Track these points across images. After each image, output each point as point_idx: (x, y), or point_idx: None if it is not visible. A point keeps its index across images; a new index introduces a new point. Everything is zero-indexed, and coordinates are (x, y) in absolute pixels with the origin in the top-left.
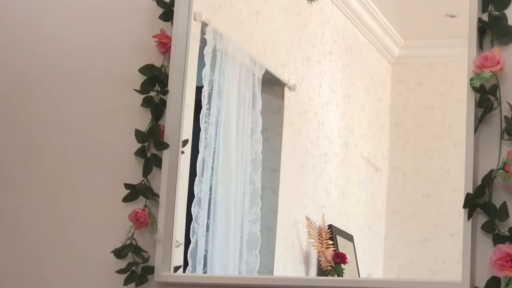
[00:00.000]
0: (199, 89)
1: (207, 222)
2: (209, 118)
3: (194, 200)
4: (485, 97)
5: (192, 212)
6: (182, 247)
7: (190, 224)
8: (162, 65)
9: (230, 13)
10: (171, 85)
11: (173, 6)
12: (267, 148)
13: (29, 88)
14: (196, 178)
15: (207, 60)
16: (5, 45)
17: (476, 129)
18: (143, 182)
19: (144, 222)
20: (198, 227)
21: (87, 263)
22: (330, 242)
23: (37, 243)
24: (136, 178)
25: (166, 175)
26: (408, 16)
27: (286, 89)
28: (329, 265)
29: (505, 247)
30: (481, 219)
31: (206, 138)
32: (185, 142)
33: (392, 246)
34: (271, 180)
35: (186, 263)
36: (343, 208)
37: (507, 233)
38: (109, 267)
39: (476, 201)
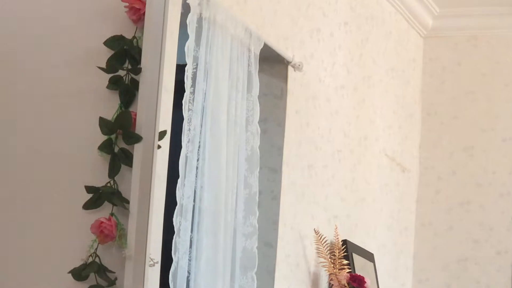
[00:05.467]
0: (180, 68)
1: (191, 236)
2: (193, 105)
3: (177, 208)
4: None
5: (174, 223)
6: (158, 267)
7: (169, 238)
8: (134, 37)
9: None
10: (145, 62)
11: None
12: (266, 143)
13: None
14: (179, 181)
15: (191, 31)
16: None
17: None
18: (109, 185)
19: (110, 234)
20: (181, 242)
21: (40, 286)
22: (345, 261)
23: None
24: (100, 179)
25: (138, 176)
26: None
27: (290, 68)
28: None
29: None
30: None
31: (190, 129)
32: (162, 134)
33: (422, 267)
34: (270, 183)
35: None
36: (361, 219)
37: None
38: None
39: None
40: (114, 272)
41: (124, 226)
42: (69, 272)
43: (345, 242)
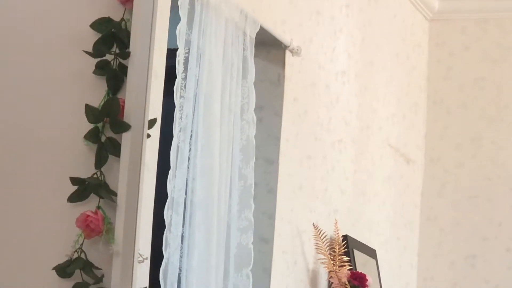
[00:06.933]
0: (171, 52)
1: (182, 230)
2: (185, 91)
3: (168, 201)
4: None
5: (164, 217)
6: (147, 263)
7: (159, 232)
8: (122, 19)
9: None
10: (134, 46)
11: None
12: (262, 132)
13: None
14: (170, 172)
15: (183, 13)
16: None
17: None
18: (95, 176)
19: (96, 229)
20: (172, 238)
21: (21, 283)
22: (345, 258)
23: None
24: (86, 170)
25: (127, 167)
26: None
27: (287, 53)
28: None
29: None
30: None
31: (181, 118)
32: (152, 123)
33: (428, 264)
34: (266, 175)
35: (154, 285)
36: (363, 213)
37: None
38: None
39: None
40: (100, 269)
41: (112, 220)
42: (53, 269)
43: (345, 237)
